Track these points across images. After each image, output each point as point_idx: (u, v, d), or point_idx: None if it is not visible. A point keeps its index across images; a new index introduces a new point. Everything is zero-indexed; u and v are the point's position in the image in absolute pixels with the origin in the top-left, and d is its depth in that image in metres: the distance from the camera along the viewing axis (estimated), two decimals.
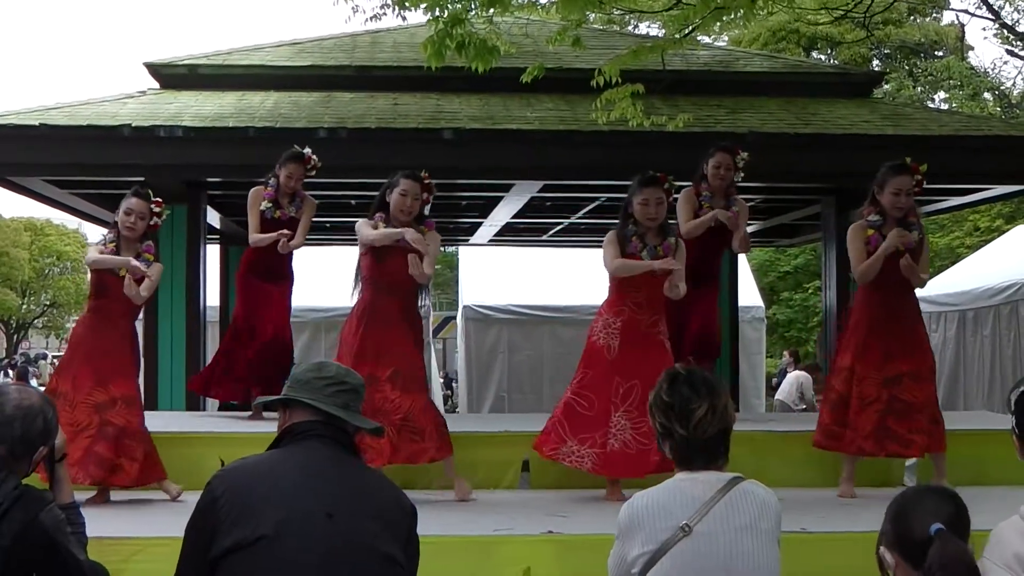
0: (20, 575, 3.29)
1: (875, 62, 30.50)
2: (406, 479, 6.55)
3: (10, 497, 3.33)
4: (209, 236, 11.84)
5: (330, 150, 8.82)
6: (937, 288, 15.85)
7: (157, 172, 7.74)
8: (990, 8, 27.00)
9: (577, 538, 5.77)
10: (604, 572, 3.46)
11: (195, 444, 7.38)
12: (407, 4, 8.81)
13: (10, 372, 29.33)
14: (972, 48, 33.55)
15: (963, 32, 30.51)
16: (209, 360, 9.43)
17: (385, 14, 9.27)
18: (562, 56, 11.03)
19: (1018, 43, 28.05)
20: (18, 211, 46.35)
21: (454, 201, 12.96)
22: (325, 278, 14.10)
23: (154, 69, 12.03)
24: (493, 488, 7.29)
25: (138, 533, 5.76)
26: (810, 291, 27.01)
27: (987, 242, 19.76)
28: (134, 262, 6.73)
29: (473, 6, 8.89)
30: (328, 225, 14.28)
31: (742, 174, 8.33)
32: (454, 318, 22.68)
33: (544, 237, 16.32)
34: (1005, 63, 38.71)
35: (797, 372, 17.30)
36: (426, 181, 6.91)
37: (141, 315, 11.98)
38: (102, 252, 6.92)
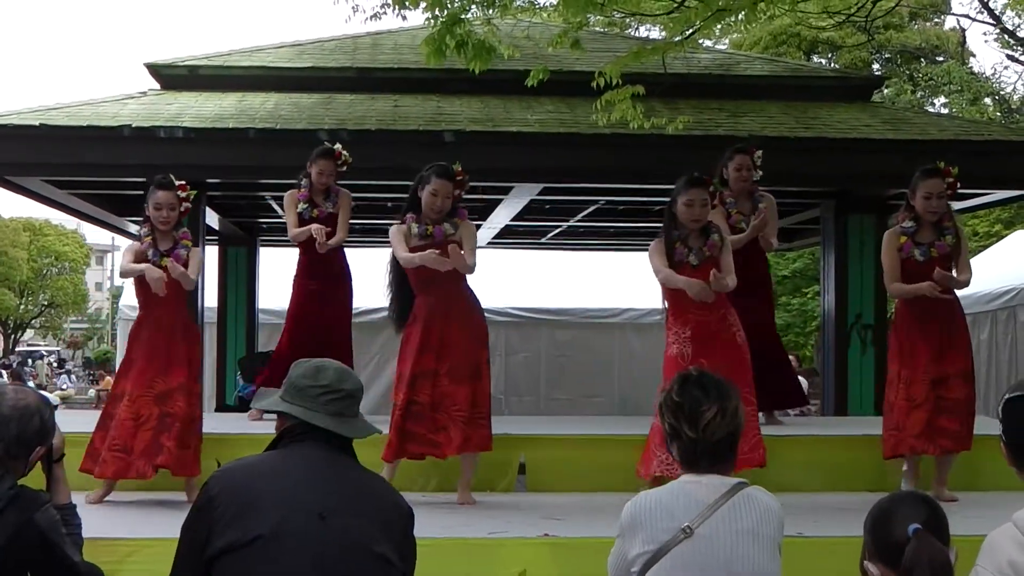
0: (15, 574, 3.29)
1: (875, 66, 30.49)
2: (403, 481, 6.55)
3: (5, 497, 3.33)
4: (208, 237, 11.84)
5: None
6: None
7: (157, 173, 7.70)
8: (991, 13, 27.02)
9: (573, 541, 5.77)
10: (600, 575, 3.46)
11: None
12: (407, 3, 8.81)
13: (3, 372, 29.34)
14: (974, 55, 33.57)
15: (964, 37, 30.56)
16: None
17: (385, 13, 9.28)
18: (563, 59, 11.03)
19: (1019, 48, 28.05)
20: (17, 211, 46.44)
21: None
22: None
23: (155, 70, 12.03)
24: (490, 491, 7.29)
25: (134, 534, 5.76)
26: (809, 295, 27.00)
27: (986, 247, 19.78)
28: (153, 271, 6.74)
29: (472, 6, 8.89)
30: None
31: (761, 172, 8.37)
32: None
33: (543, 240, 16.33)
34: (1006, 68, 38.68)
35: None
36: (458, 177, 6.91)
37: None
38: (139, 250, 6.95)
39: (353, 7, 9.77)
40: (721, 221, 8.09)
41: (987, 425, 7.75)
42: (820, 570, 5.39)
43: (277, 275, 14.33)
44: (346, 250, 8.75)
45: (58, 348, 55.26)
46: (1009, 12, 27.38)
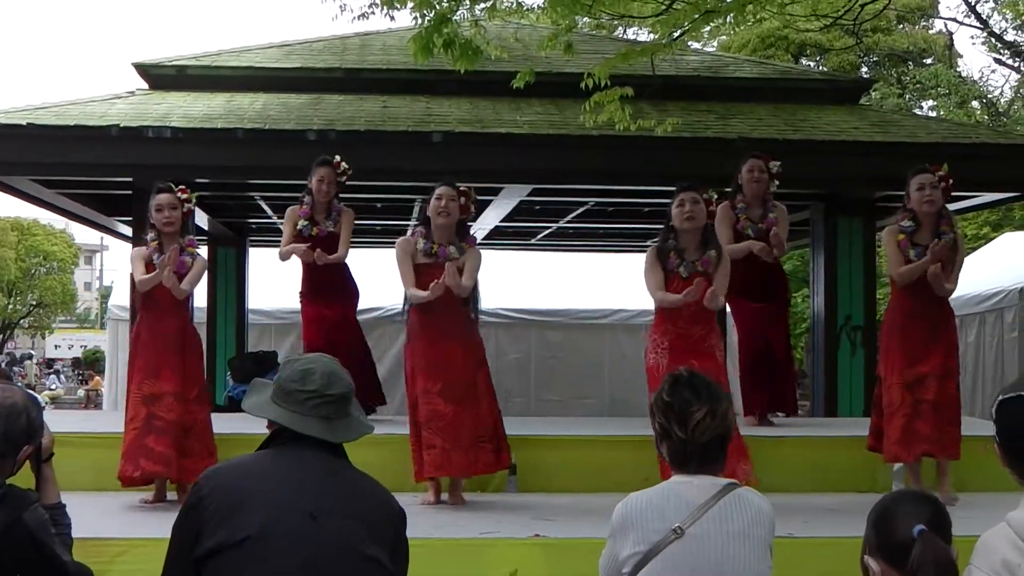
0: (4, 575, 3.28)
1: (863, 69, 30.56)
2: (395, 482, 6.54)
3: None
4: (197, 237, 11.80)
5: (319, 152, 8.80)
6: None
7: (145, 173, 7.72)
8: (978, 17, 27.13)
9: (564, 542, 5.78)
10: (591, 575, 3.46)
11: None
12: (395, 3, 8.80)
13: None
14: (961, 58, 33.66)
15: (951, 40, 30.64)
16: None
17: (373, 13, 9.25)
18: (552, 61, 11.04)
19: (1005, 51, 28.16)
20: (5, 211, 46.27)
21: None
22: None
23: (143, 69, 12.01)
24: (481, 491, 7.30)
25: (124, 534, 5.76)
26: (798, 298, 27.07)
27: (974, 249, 19.82)
28: (165, 276, 6.76)
29: (461, 7, 8.88)
30: None
31: (777, 182, 8.38)
32: None
33: (533, 241, 16.34)
34: (993, 71, 38.90)
35: None
36: (462, 188, 6.93)
37: (127, 316, 12.02)
38: (146, 255, 6.99)
39: (341, 6, 9.76)
40: (727, 227, 8.11)
41: (977, 426, 7.79)
42: (810, 571, 5.41)
43: (266, 275, 14.33)
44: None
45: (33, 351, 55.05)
46: (996, 16, 27.49)
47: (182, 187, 7.11)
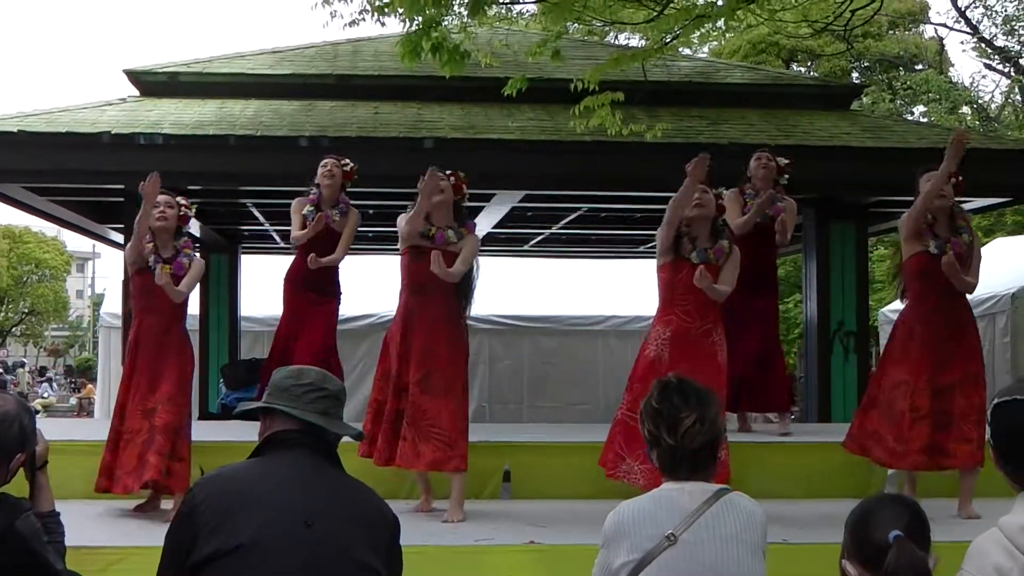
0: None
1: (855, 75, 30.62)
2: (389, 489, 6.53)
3: None
4: None
5: (311, 159, 8.80)
6: None
7: (137, 179, 7.66)
8: (969, 23, 27.18)
9: (558, 548, 5.78)
10: None
11: None
12: (385, 10, 8.80)
13: None
14: (952, 64, 33.76)
15: (942, 46, 30.70)
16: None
17: (363, 19, 9.24)
18: (543, 67, 11.05)
19: (995, 57, 28.23)
20: None
21: None
22: None
23: (134, 76, 12.00)
24: (474, 498, 7.28)
25: (117, 542, 5.75)
26: (791, 303, 27.08)
27: None
28: (163, 281, 6.71)
29: (449, 12, 8.88)
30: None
31: (787, 176, 8.45)
32: None
33: (525, 247, 16.34)
34: (983, 77, 38.94)
35: None
36: (448, 172, 6.90)
37: (120, 324, 12.01)
38: (144, 255, 6.90)
39: (331, 13, 9.76)
40: (736, 211, 8.14)
41: None
42: None
43: (259, 282, 14.31)
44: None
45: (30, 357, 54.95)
46: (986, 21, 27.58)
47: (180, 196, 7.14)
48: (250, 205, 12.58)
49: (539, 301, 16.09)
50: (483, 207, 12.01)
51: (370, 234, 14.02)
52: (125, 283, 11.29)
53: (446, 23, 9.17)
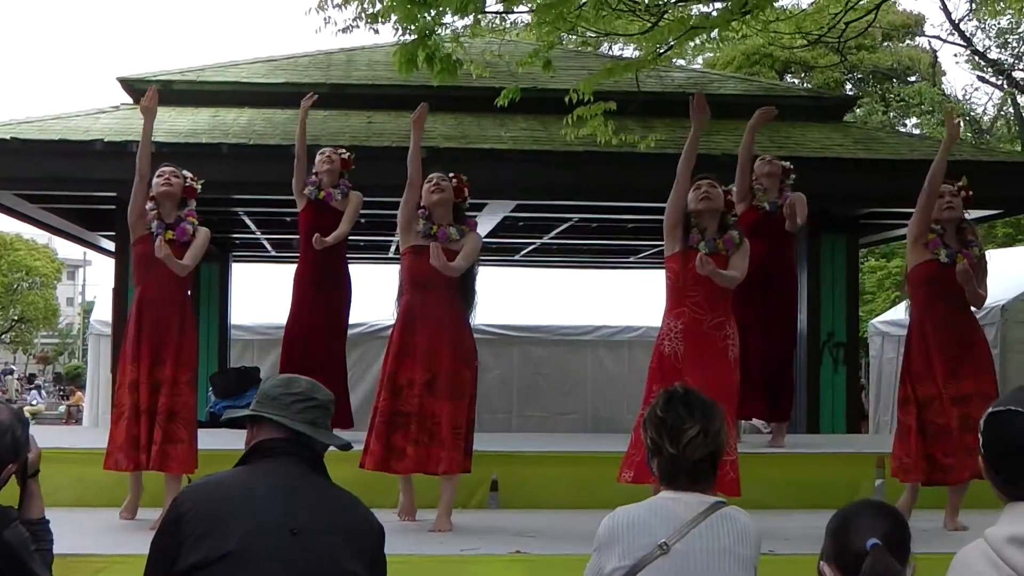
0: None
1: (848, 86, 30.70)
2: (374, 498, 6.52)
3: None
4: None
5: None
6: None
7: (129, 188, 7.66)
8: (962, 35, 27.26)
9: (546, 558, 5.76)
10: None
11: None
12: (379, 18, 8.81)
13: None
14: (945, 75, 33.84)
15: (935, 58, 30.78)
16: None
17: (357, 27, 9.24)
18: (536, 77, 11.06)
19: (989, 70, 28.31)
20: None
21: None
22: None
23: (127, 84, 12.00)
24: (462, 508, 7.26)
25: (104, 550, 5.73)
26: None
27: None
28: (163, 253, 6.56)
29: (445, 20, 8.89)
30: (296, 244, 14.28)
31: (794, 176, 8.55)
32: None
33: (517, 257, 16.35)
34: (976, 89, 39.12)
35: None
36: (451, 175, 6.90)
37: (109, 332, 11.98)
38: (149, 226, 6.78)
39: (324, 19, 9.75)
40: (744, 203, 8.18)
41: None
42: None
43: (249, 291, 14.30)
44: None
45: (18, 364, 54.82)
46: (980, 34, 27.65)
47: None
48: (242, 213, 12.57)
49: (529, 311, 16.10)
50: (475, 216, 12.01)
51: (362, 243, 14.03)
52: (116, 290, 11.29)
53: (439, 32, 9.17)
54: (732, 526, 3.30)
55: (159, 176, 6.87)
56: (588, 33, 11.58)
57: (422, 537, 6.26)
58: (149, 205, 6.87)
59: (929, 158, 10.71)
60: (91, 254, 23.73)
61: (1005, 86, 27.95)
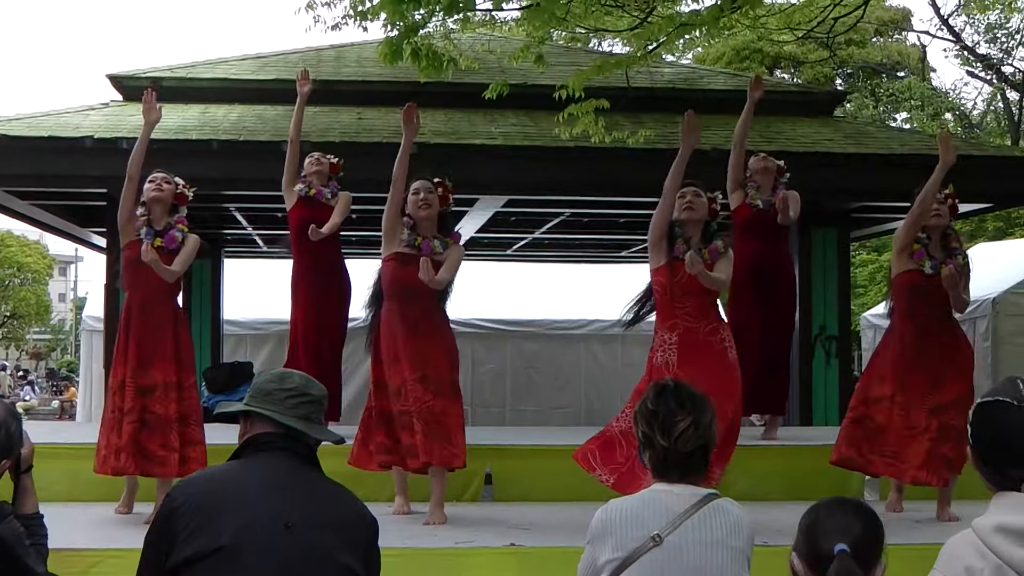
0: None
1: (838, 81, 30.72)
2: (369, 492, 6.53)
3: None
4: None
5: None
6: None
7: (119, 184, 7.66)
8: (951, 30, 27.29)
9: (540, 551, 5.79)
10: None
11: None
12: (368, 15, 8.81)
13: None
14: (934, 71, 33.88)
15: (924, 53, 30.84)
16: None
17: (346, 24, 9.25)
18: (526, 72, 11.07)
19: (978, 64, 28.35)
20: None
21: None
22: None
23: (117, 81, 11.98)
24: (456, 501, 7.29)
25: (97, 544, 5.74)
26: None
27: None
28: (151, 258, 6.54)
29: (434, 17, 8.89)
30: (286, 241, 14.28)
31: (788, 174, 8.61)
32: None
33: (509, 252, 16.35)
34: (965, 84, 39.19)
35: None
36: (437, 180, 6.90)
37: (102, 327, 11.97)
38: (139, 230, 6.78)
39: (314, 18, 9.76)
40: (738, 201, 8.32)
41: None
42: None
43: (242, 287, 14.28)
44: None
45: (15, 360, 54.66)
46: (968, 29, 27.69)
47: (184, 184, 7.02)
48: (233, 210, 12.56)
49: (522, 305, 16.09)
50: (466, 211, 12.02)
51: (354, 238, 14.02)
52: (107, 285, 11.28)
53: (429, 28, 9.17)
54: (725, 518, 3.31)
55: (151, 182, 6.87)
56: (578, 29, 11.58)
57: (416, 530, 6.28)
58: (140, 211, 6.87)
59: (919, 152, 10.83)
60: (82, 250, 23.69)
61: (994, 81, 28.02)
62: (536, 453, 7.99)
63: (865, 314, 17.21)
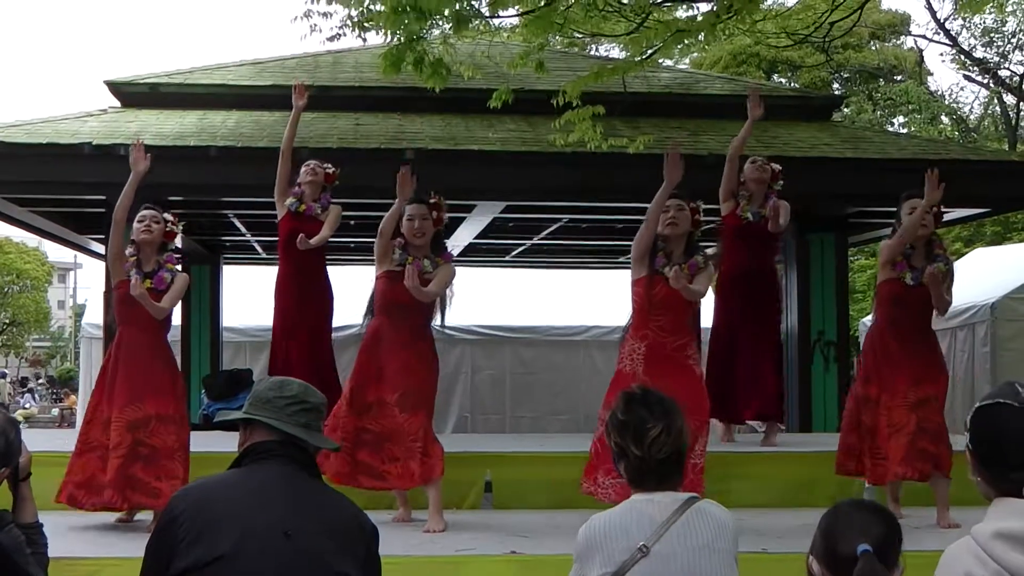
0: None
1: (835, 86, 30.73)
2: (368, 500, 6.53)
3: None
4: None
5: (292, 170, 8.79)
6: None
7: (117, 191, 7.68)
8: (948, 34, 27.31)
9: (540, 559, 5.77)
10: None
11: None
12: (366, 24, 8.80)
13: None
14: (931, 73, 33.91)
15: (922, 57, 30.83)
16: None
17: (344, 34, 9.23)
18: (524, 78, 11.07)
19: (974, 69, 28.37)
20: None
21: None
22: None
23: (115, 87, 11.98)
24: (456, 508, 7.29)
25: (96, 553, 5.73)
26: None
27: None
28: (139, 293, 6.54)
29: (433, 25, 8.88)
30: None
31: (781, 182, 8.61)
32: None
33: (507, 258, 16.34)
34: (962, 88, 39.18)
35: None
36: (432, 200, 6.89)
37: (101, 334, 11.96)
38: (128, 271, 6.75)
39: (311, 26, 9.74)
40: (730, 211, 8.37)
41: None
42: None
43: (241, 293, 14.27)
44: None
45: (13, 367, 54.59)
46: (965, 34, 27.72)
47: (173, 213, 7.06)
48: (231, 216, 12.56)
49: (521, 311, 16.10)
50: (464, 218, 12.02)
51: (351, 244, 14.02)
52: (106, 294, 11.27)
53: (427, 36, 9.15)
54: (709, 521, 3.30)
55: (140, 222, 6.86)
56: (576, 34, 11.59)
57: (417, 538, 6.27)
58: (129, 250, 6.88)
59: (917, 157, 10.83)
60: (81, 257, 23.68)
61: (991, 85, 28.03)
62: (536, 460, 7.99)
63: (864, 319, 17.20)
